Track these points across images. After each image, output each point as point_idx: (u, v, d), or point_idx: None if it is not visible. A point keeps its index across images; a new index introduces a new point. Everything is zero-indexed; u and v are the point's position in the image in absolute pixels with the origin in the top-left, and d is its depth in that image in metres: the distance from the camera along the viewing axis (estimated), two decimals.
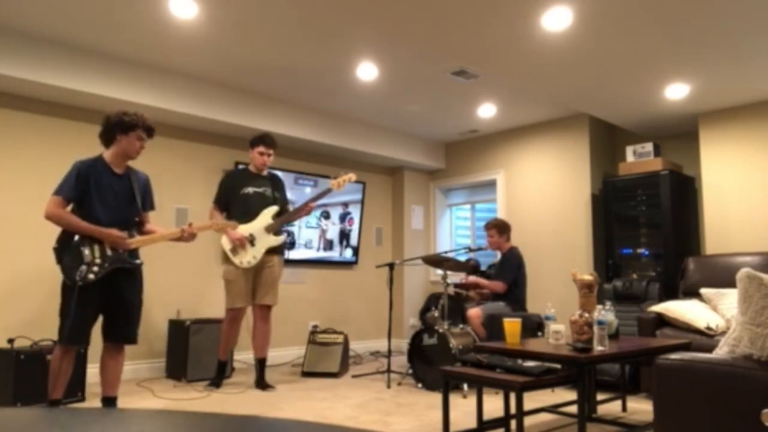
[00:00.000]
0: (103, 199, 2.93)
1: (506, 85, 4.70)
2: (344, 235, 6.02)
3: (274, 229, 4.14)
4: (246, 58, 4.20)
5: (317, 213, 5.80)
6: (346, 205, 6.02)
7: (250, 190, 4.20)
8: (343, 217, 6.02)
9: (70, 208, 2.92)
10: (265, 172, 4.31)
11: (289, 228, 5.56)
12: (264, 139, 4.23)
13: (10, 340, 3.57)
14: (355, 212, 6.13)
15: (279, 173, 5.44)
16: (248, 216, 4.12)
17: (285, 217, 4.23)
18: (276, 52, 4.08)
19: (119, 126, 2.96)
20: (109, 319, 2.96)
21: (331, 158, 6.10)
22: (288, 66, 4.33)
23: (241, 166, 4.91)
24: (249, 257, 4.06)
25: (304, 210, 4.20)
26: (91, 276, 2.83)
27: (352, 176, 4.28)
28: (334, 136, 5.56)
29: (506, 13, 3.16)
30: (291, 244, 5.57)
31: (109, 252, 2.89)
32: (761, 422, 1.58)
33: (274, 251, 4.19)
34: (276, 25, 3.65)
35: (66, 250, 2.86)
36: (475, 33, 3.42)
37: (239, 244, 4.04)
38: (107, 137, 3.01)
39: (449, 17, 3.21)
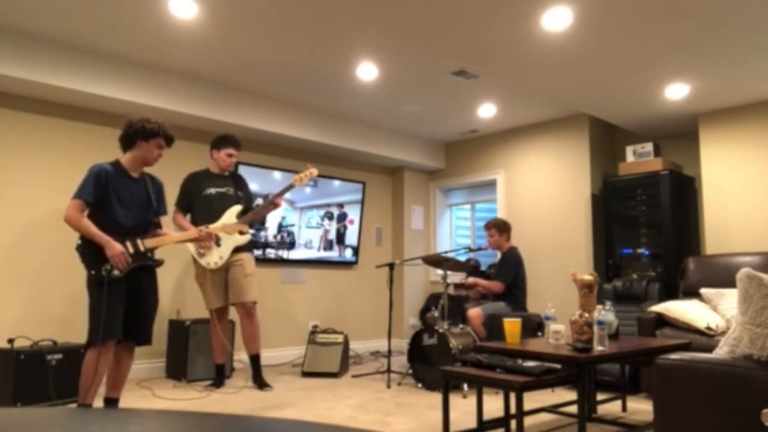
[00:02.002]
0: (122, 203, 2.97)
1: (506, 85, 4.70)
2: (340, 236, 6.00)
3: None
4: (246, 58, 4.20)
5: (320, 213, 5.80)
6: (341, 205, 6.01)
7: (212, 190, 4.18)
8: (340, 218, 6.01)
9: (86, 212, 2.94)
10: (226, 172, 4.29)
11: (290, 228, 5.56)
12: (233, 141, 4.23)
13: (10, 340, 3.57)
14: (355, 212, 6.12)
15: (279, 173, 5.47)
16: (211, 217, 4.09)
17: (251, 214, 4.16)
18: (276, 52, 4.08)
19: (141, 132, 3.00)
20: (127, 319, 2.97)
21: (331, 158, 6.10)
22: (288, 66, 4.33)
23: (243, 166, 4.92)
24: (215, 258, 4.05)
25: (271, 206, 4.17)
26: (116, 272, 2.87)
27: (314, 171, 4.23)
28: (334, 136, 5.56)
29: (506, 13, 3.16)
30: (291, 244, 5.57)
31: (131, 249, 2.94)
32: (761, 422, 1.58)
33: (242, 249, 4.16)
34: (276, 25, 3.65)
35: (90, 249, 2.89)
36: (475, 33, 3.42)
37: (206, 245, 4.03)
38: (127, 142, 3.03)
39: (449, 17, 3.21)
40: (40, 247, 4.17)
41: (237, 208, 4.14)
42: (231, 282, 4.12)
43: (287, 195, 4.42)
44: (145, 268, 3.01)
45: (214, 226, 3.23)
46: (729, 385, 1.67)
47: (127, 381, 4.32)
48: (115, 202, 2.94)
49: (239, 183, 4.31)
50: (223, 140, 4.22)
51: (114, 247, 2.87)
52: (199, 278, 4.16)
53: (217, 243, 4.06)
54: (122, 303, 2.91)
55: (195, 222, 4.11)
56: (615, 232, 5.09)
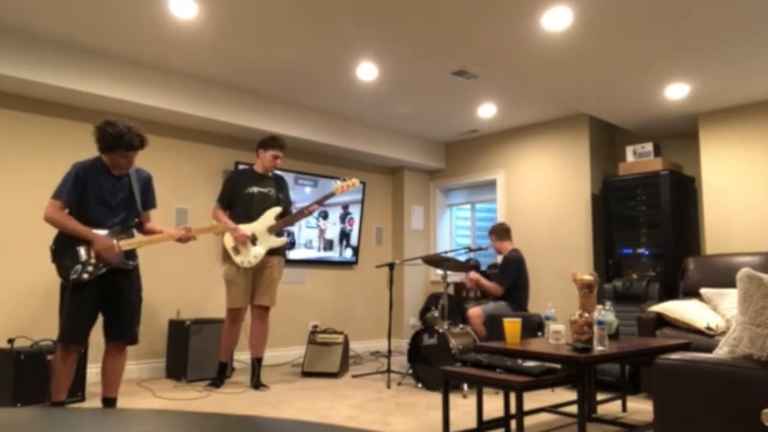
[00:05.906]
0: (101, 201, 2.93)
1: (506, 85, 4.70)
2: (344, 235, 6.02)
3: (276, 230, 4.15)
4: (246, 58, 4.20)
5: (316, 213, 5.80)
6: (346, 206, 6.03)
7: (255, 189, 4.21)
8: (343, 218, 6.03)
9: (66, 210, 2.92)
10: (270, 173, 4.32)
11: (290, 228, 5.56)
12: (279, 142, 4.26)
13: (10, 340, 3.57)
14: (355, 212, 6.13)
15: (279, 173, 5.46)
16: (251, 216, 4.14)
17: (288, 218, 4.25)
18: (276, 53, 4.08)
19: (101, 143, 2.92)
20: (109, 320, 2.96)
21: (331, 158, 6.10)
22: (288, 66, 4.33)
23: (242, 166, 4.92)
24: (250, 257, 4.07)
25: (307, 212, 4.21)
26: (86, 276, 2.83)
27: (356, 182, 4.31)
28: (334, 136, 5.56)
29: (506, 13, 3.16)
30: (291, 244, 5.57)
31: (122, 249, 2.91)
32: (761, 422, 1.58)
33: (275, 252, 4.19)
34: (276, 25, 3.65)
35: (62, 250, 2.86)
36: (475, 33, 3.42)
37: (242, 242, 4.05)
38: (98, 147, 2.97)
39: (449, 17, 3.21)
40: (41, 247, 4.17)
41: (276, 210, 4.18)
42: (258, 283, 4.14)
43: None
44: (119, 269, 2.95)
45: (196, 227, 3.18)
46: (729, 385, 1.67)
47: (127, 381, 4.34)
48: (93, 202, 2.90)
49: (281, 185, 4.35)
50: (270, 141, 4.25)
51: (103, 241, 2.85)
52: (229, 275, 4.13)
53: (254, 242, 4.08)
54: (90, 307, 2.87)
55: (234, 219, 4.14)
56: (615, 232, 5.09)
